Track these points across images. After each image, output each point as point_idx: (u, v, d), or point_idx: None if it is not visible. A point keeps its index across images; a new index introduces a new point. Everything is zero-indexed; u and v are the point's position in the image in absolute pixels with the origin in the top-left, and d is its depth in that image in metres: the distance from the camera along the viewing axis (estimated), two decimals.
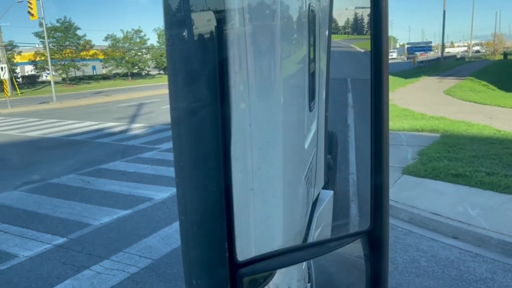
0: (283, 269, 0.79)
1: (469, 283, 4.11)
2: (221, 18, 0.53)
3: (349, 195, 1.21)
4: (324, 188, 1.18)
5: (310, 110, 1.00)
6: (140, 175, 8.42)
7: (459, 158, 7.78)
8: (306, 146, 0.98)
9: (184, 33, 0.52)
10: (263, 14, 0.64)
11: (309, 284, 0.99)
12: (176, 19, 0.54)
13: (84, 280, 4.42)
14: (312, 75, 0.99)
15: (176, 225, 5.76)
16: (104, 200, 6.99)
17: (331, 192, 1.18)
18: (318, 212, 1.06)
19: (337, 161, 1.29)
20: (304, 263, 0.97)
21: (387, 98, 0.73)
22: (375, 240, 0.70)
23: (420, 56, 65.64)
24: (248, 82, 0.59)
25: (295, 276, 0.87)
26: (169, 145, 11.22)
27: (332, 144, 1.26)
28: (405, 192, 6.31)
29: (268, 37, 0.67)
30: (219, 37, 0.52)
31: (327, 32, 1.14)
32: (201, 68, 0.52)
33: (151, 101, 23.85)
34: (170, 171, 8.57)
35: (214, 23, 0.52)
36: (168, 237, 5.41)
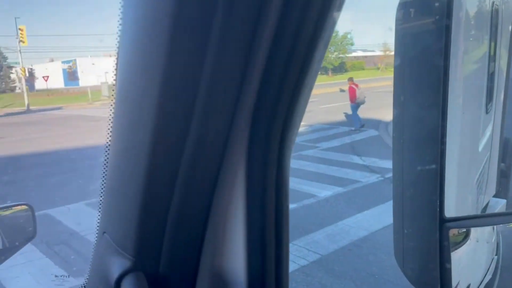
0: (479, 231, 0.91)
1: None
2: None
3: None
4: (495, 196, 1.17)
5: (487, 112, 0.98)
6: (302, 172, 8.71)
7: None
8: (480, 149, 0.98)
9: (410, 29, 0.59)
10: (452, 10, 0.66)
11: (496, 257, 1.08)
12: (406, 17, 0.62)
13: None
14: (491, 75, 0.97)
15: (341, 224, 5.83)
16: None
17: (504, 201, 1.16)
18: None
19: None
20: (494, 237, 1.08)
21: None
22: None
23: None
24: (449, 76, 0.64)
25: (489, 239, 0.99)
26: (329, 144, 11.35)
27: (507, 151, 1.22)
28: None
29: (454, 33, 0.69)
30: (444, 28, 0.58)
31: (510, 28, 1.09)
32: (425, 58, 0.59)
33: (309, 101, 24.33)
34: (331, 170, 8.68)
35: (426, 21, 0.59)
36: (334, 235, 5.50)
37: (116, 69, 0.72)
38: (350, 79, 14.10)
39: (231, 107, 0.59)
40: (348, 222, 5.89)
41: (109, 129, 0.73)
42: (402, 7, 0.62)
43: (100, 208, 0.79)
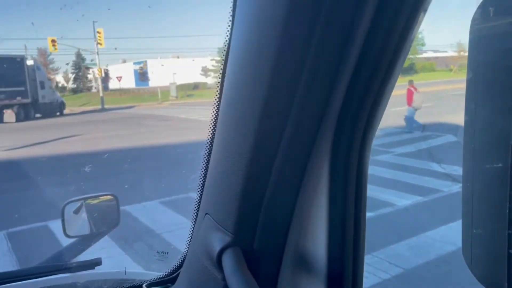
0: None
1: None
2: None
3: None
4: None
5: None
6: (377, 178, 8.32)
7: None
8: None
9: (488, 29, 0.59)
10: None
11: None
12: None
13: None
14: None
15: (424, 237, 5.45)
16: None
17: None
18: None
19: None
20: None
21: None
22: None
23: None
24: None
25: None
26: (404, 149, 10.82)
27: None
28: None
29: None
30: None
31: None
32: (501, 60, 0.58)
33: None
34: (409, 177, 8.23)
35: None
36: (418, 248, 5.14)
37: (222, 73, 0.81)
38: (410, 82, 14.07)
39: (321, 110, 0.68)
40: (431, 235, 5.49)
41: (211, 127, 0.87)
42: (483, 5, 0.61)
43: (200, 194, 0.93)
